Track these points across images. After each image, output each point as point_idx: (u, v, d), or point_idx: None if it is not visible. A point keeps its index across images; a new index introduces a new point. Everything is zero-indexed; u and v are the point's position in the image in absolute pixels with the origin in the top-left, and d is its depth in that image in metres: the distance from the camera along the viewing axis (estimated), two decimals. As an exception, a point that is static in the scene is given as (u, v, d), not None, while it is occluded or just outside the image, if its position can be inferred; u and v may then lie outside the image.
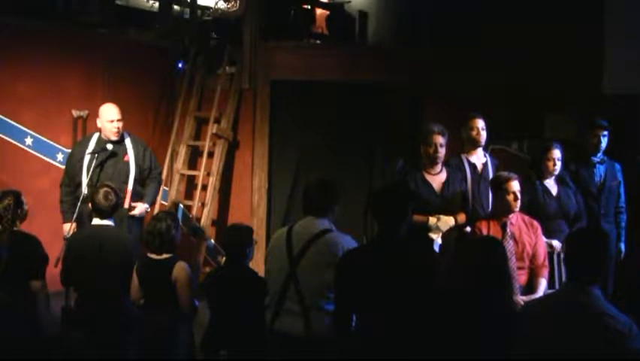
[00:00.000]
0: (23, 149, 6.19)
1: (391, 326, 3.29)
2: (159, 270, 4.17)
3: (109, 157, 5.54)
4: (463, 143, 5.25)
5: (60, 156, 6.29)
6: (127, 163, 5.61)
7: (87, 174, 5.40)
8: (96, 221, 4.63)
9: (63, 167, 5.91)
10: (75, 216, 5.22)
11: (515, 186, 4.64)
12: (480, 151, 5.23)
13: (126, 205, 5.52)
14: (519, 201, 4.64)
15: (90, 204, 4.70)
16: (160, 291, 4.17)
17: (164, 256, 4.21)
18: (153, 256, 4.22)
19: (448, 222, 4.78)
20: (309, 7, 7.62)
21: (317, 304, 3.69)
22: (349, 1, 7.82)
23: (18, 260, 4.23)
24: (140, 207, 5.61)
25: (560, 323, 2.99)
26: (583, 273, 3.04)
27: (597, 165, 5.37)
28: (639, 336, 2.90)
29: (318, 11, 7.78)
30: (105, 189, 4.62)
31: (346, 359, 3.48)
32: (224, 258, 4.35)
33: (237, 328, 3.95)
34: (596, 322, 2.93)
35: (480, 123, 5.16)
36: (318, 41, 7.60)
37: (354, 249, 3.67)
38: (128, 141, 5.66)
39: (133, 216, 5.58)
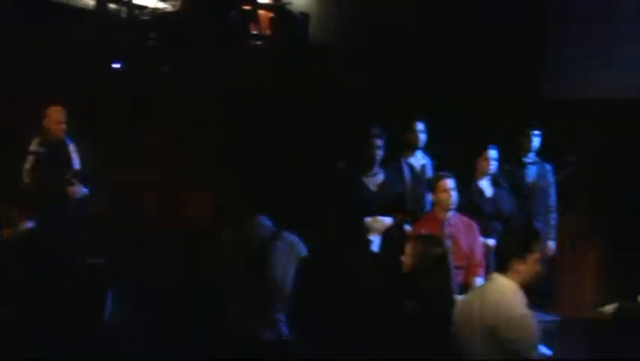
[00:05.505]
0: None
1: (334, 327, 3.37)
2: None
3: (52, 157, 5.45)
4: (402, 145, 5.34)
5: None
6: (71, 163, 5.54)
7: (29, 175, 5.33)
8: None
9: None
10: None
11: (446, 184, 4.71)
12: (419, 153, 5.33)
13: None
14: (451, 199, 4.71)
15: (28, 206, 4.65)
16: None
17: None
18: None
19: (384, 222, 4.85)
20: (250, 7, 7.57)
21: (281, 309, 3.75)
22: (290, 3, 7.80)
23: None
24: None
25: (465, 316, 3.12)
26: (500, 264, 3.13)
27: (529, 166, 5.54)
28: (525, 329, 2.97)
29: (261, 13, 7.73)
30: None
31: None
32: None
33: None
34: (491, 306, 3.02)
35: (419, 126, 5.26)
36: (259, 43, 7.56)
37: (306, 257, 3.76)
38: (70, 144, 5.59)
39: (72, 218, 5.50)
